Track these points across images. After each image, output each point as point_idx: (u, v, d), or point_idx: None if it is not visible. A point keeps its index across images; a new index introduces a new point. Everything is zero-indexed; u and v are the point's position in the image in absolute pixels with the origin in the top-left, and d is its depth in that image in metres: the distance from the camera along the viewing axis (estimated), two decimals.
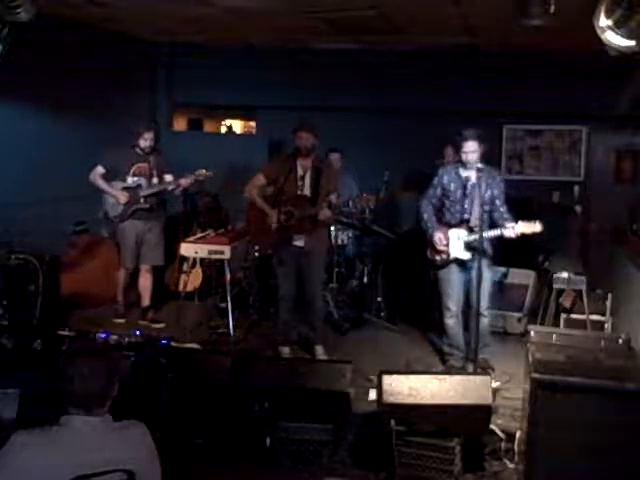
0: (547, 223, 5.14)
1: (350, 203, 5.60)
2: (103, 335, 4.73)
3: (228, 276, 6.23)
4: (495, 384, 4.65)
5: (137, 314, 6.56)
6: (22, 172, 6.52)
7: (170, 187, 6.28)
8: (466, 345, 5.46)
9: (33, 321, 5.59)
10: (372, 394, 4.63)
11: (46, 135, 6.92)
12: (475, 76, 7.98)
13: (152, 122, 6.19)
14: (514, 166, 8.53)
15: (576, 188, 8.25)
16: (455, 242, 5.34)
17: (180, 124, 9.77)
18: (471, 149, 5.21)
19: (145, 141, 6.14)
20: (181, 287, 6.67)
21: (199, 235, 6.55)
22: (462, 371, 5.29)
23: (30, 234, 6.10)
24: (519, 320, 6.40)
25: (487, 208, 5.21)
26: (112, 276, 6.70)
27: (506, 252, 5.83)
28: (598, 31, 3.74)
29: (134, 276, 6.55)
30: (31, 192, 6.55)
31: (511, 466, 4.05)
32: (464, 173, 5.32)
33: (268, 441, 4.11)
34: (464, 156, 5.25)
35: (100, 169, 6.19)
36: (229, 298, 6.13)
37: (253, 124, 9.72)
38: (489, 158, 5.47)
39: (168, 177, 6.31)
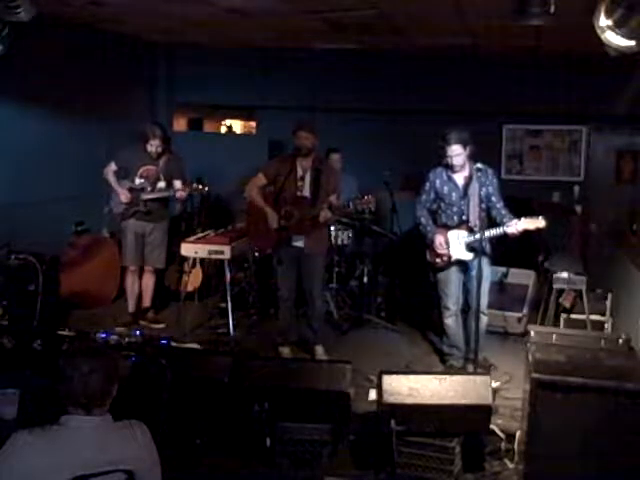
0: (547, 223, 5.12)
1: (350, 205, 5.58)
2: (103, 335, 4.72)
3: (228, 276, 6.23)
4: (495, 384, 4.65)
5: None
6: (22, 172, 6.53)
7: (171, 194, 6.28)
8: (466, 345, 5.45)
9: (33, 321, 5.58)
10: (372, 394, 4.62)
11: (46, 135, 6.91)
12: (475, 76, 7.98)
13: (158, 128, 6.16)
14: (514, 166, 8.52)
15: (576, 188, 8.24)
16: (456, 244, 5.28)
17: (180, 124, 9.77)
18: (455, 153, 5.14)
19: (151, 147, 6.15)
20: (182, 287, 6.67)
21: (199, 235, 6.55)
22: (462, 371, 5.28)
23: (30, 234, 6.11)
24: (519, 320, 6.38)
25: (483, 206, 5.18)
26: (112, 276, 6.70)
27: (506, 252, 5.83)
28: (598, 31, 3.74)
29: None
30: (31, 192, 6.56)
31: (511, 466, 4.05)
32: (455, 175, 5.27)
33: (268, 441, 4.11)
34: (449, 160, 5.18)
35: (113, 166, 6.25)
36: (229, 298, 6.12)
37: (253, 124, 9.70)
38: (489, 158, 5.45)
39: (177, 183, 6.24)
